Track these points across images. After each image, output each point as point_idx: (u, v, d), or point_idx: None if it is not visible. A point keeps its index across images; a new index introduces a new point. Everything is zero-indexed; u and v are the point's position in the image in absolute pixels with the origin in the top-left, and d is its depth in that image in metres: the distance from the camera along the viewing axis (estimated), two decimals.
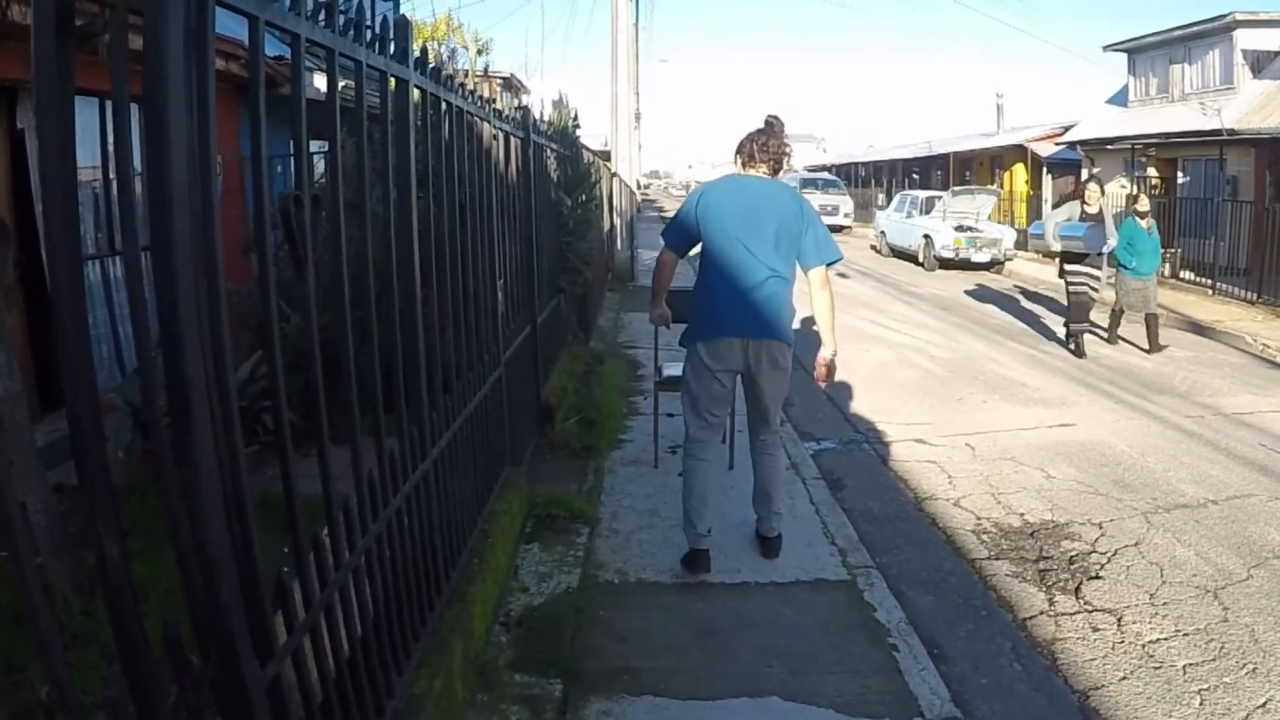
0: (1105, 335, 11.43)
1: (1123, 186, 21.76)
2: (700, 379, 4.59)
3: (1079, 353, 10.64)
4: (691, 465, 4.66)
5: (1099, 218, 10.35)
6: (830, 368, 4.67)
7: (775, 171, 4.63)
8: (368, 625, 2.50)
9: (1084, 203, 10.47)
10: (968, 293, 16.61)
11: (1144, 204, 11.15)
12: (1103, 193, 10.86)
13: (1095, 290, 10.60)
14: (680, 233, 4.64)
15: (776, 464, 4.81)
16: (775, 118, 4.70)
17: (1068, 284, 10.66)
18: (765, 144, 4.59)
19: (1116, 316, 11.26)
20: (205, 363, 1.64)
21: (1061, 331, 11.39)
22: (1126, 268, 10.75)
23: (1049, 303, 15.33)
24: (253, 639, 1.76)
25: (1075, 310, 10.66)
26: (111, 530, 1.55)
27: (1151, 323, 10.90)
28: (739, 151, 4.68)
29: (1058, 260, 11.06)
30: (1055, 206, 26.58)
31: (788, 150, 4.66)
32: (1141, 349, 10.95)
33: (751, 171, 4.62)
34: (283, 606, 1.98)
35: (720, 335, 4.49)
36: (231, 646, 1.69)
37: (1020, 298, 16.22)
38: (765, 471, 4.77)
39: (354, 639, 2.38)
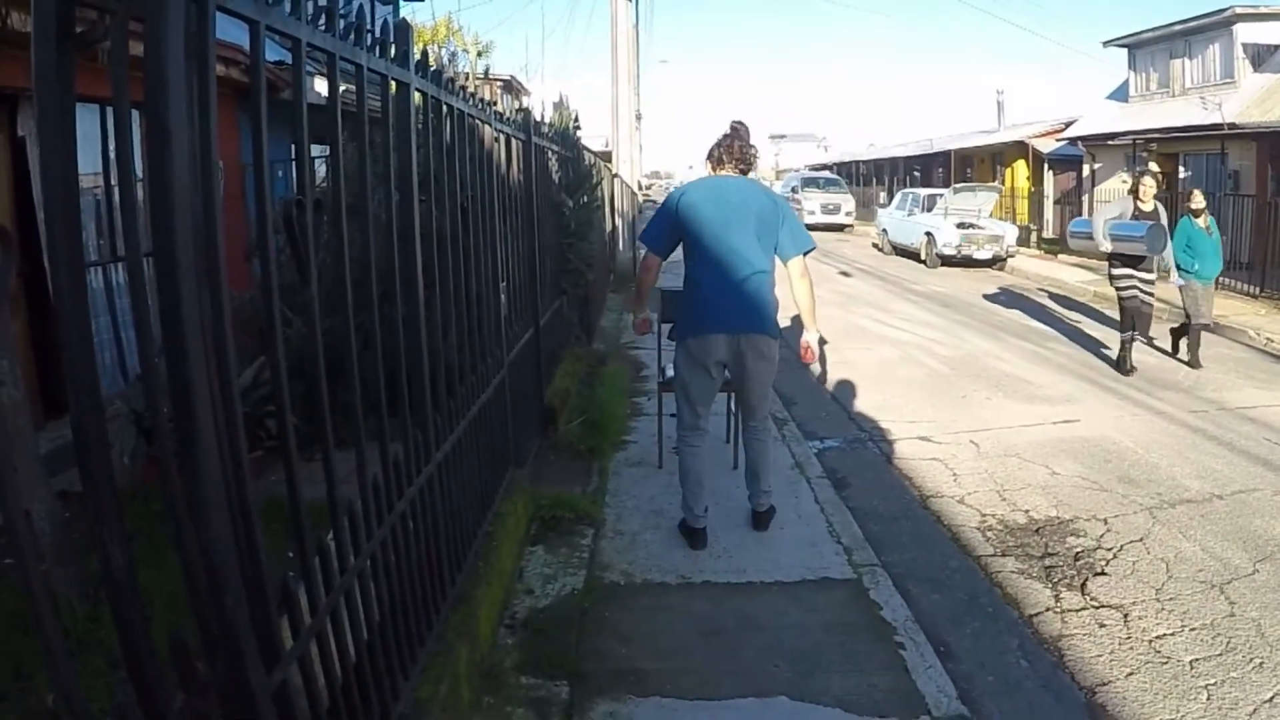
0: (1170, 350, 10.24)
1: (1124, 182, 21.74)
2: (691, 371, 4.86)
3: (1125, 366, 9.45)
4: (686, 451, 5.00)
5: (1154, 216, 9.14)
6: (813, 350, 4.96)
7: (744, 171, 4.90)
8: (373, 629, 2.49)
9: (1137, 199, 9.25)
10: (986, 297, 16.43)
11: (1198, 200, 9.90)
12: (1159, 186, 9.53)
13: (1151, 297, 9.32)
14: (662, 235, 4.84)
15: (766, 447, 5.08)
16: (740, 123, 4.96)
17: (1119, 290, 9.39)
18: (730, 146, 4.86)
19: (1186, 329, 9.90)
20: (208, 368, 1.64)
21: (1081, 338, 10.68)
22: (1188, 271, 9.57)
23: (1066, 302, 15.32)
24: (259, 644, 1.76)
25: (1128, 317, 9.36)
26: (116, 536, 1.55)
27: (1194, 331, 9.80)
28: (709, 157, 4.97)
29: (1108, 263, 9.61)
30: (1057, 202, 26.60)
31: (753, 151, 4.93)
32: (1163, 350, 10.29)
33: (723, 172, 4.88)
34: (288, 612, 1.98)
35: (708, 331, 4.72)
36: (238, 652, 1.68)
37: (1027, 295, 16.18)
38: (754, 454, 5.06)
39: (360, 643, 2.38)
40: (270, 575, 1.85)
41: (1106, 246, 9.27)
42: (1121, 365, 9.50)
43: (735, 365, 4.80)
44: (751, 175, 4.98)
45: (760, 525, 5.11)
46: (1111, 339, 10.28)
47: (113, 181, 6.12)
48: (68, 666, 1.45)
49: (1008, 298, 15.64)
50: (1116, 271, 9.36)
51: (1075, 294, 16.35)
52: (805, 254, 4.79)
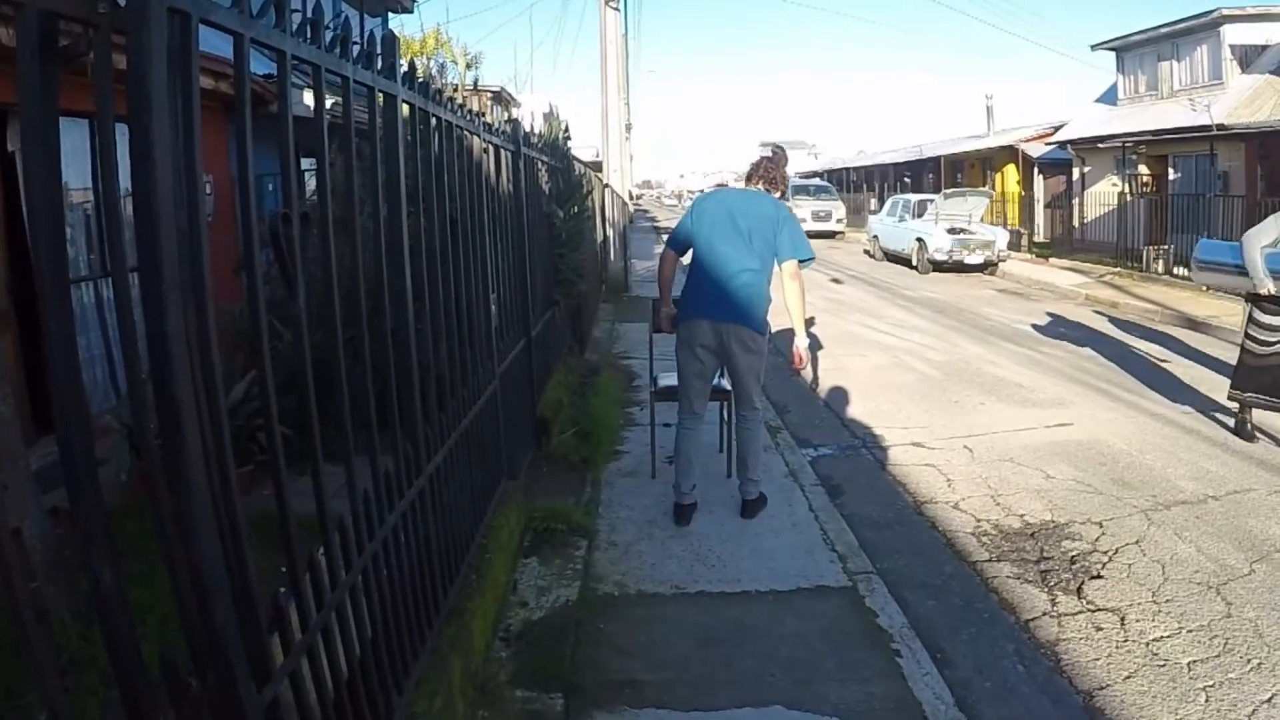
0: None
1: (1114, 184, 21.82)
2: (684, 356, 5.33)
3: (1247, 433, 6.99)
4: (680, 433, 5.41)
5: None
6: (803, 355, 5.31)
7: (770, 190, 5.42)
8: (366, 644, 2.48)
9: None
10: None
11: None
12: None
13: None
14: (679, 236, 5.45)
15: (754, 437, 5.38)
16: (779, 148, 5.64)
17: (1258, 344, 6.73)
18: (761, 166, 5.46)
19: None
20: (195, 383, 1.63)
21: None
22: None
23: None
24: (250, 661, 1.75)
25: (1263, 377, 6.74)
26: (105, 555, 1.54)
27: None
28: (746, 174, 5.61)
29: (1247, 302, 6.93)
30: (1047, 206, 26.64)
31: (778, 174, 5.48)
32: None
33: (750, 187, 5.44)
34: (279, 628, 1.96)
35: (695, 317, 5.23)
36: (228, 669, 1.67)
37: (1013, 296, 16.19)
38: (743, 443, 5.41)
39: (352, 659, 2.36)
40: (260, 591, 1.84)
41: (1270, 286, 6.63)
42: (1242, 429, 7.05)
43: (723, 354, 5.23)
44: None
45: (746, 513, 5.37)
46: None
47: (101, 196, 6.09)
48: (57, 685, 1.43)
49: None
50: (1269, 320, 6.69)
51: (1068, 297, 16.41)
52: (802, 262, 5.19)
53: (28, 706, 2.85)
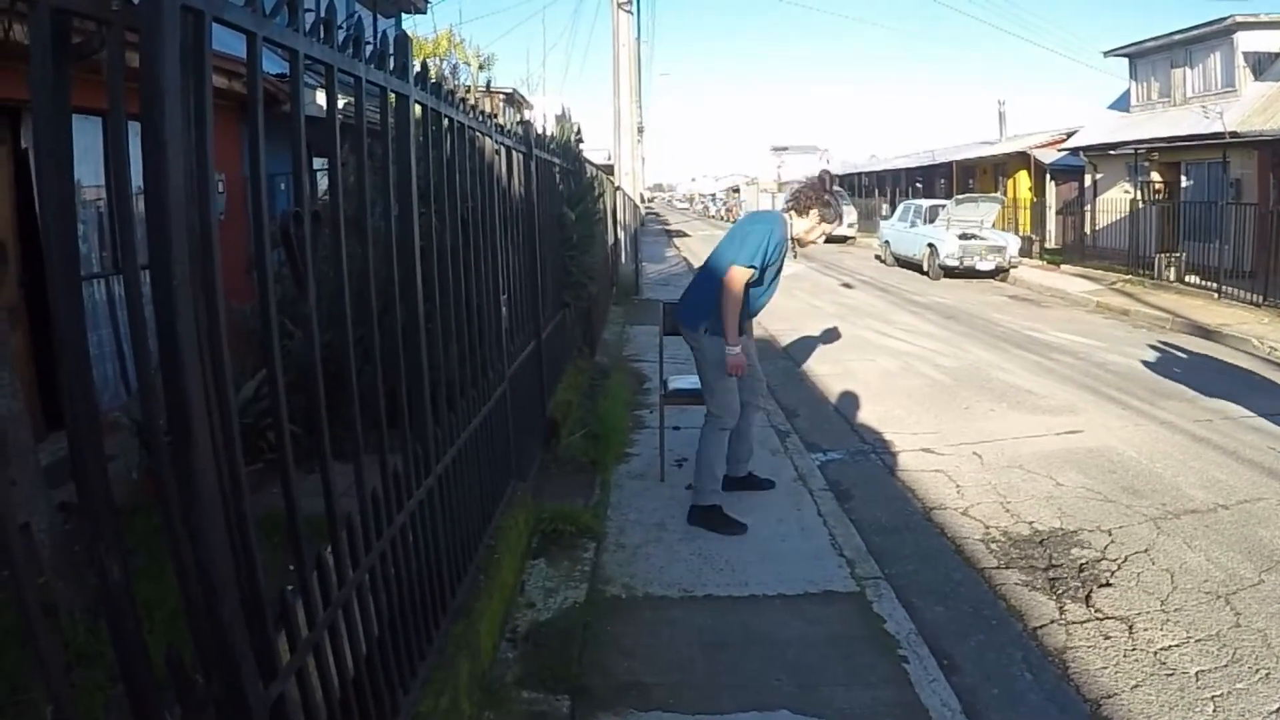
0: None
1: (1126, 191, 21.76)
2: None
3: None
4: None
5: None
6: (729, 366, 5.19)
7: (794, 208, 5.44)
8: (373, 643, 2.48)
9: None
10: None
11: None
12: None
13: None
14: None
15: (701, 439, 5.40)
16: (824, 173, 5.64)
17: None
18: (798, 189, 5.60)
19: None
20: (205, 381, 1.63)
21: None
22: None
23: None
24: (256, 658, 1.75)
25: None
26: (113, 551, 1.54)
27: None
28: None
29: None
30: (1059, 213, 26.58)
31: (805, 194, 5.46)
32: None
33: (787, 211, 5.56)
34: (286, 625, 1.97)
35: None
36: (234, 666, 1.67)
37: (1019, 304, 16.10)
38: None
39: (359, 657, 2.36)
40: (267, 588, 1.84)
41: None
42: None
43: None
44: (787, 211, 5.47)
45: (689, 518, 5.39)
46: None
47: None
48: (63, 681, 1.44)
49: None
50: None
51: (1080, 304, 16.36)
52: (748, 267, 5.12)
53: (34, 701, 2.86)
